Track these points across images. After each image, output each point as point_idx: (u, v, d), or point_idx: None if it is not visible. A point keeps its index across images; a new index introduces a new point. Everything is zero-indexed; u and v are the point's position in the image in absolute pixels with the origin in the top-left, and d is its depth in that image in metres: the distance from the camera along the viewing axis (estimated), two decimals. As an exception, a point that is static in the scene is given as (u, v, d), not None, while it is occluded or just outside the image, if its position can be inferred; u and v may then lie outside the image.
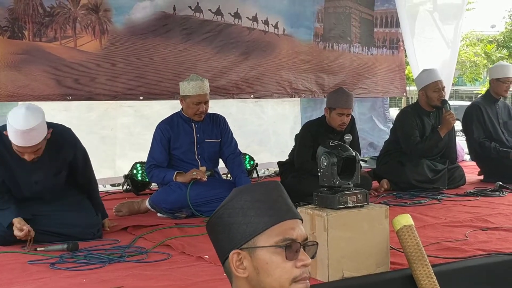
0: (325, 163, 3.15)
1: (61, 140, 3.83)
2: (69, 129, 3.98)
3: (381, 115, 8.50)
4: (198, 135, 4.89)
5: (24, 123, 3.43)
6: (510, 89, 6.50)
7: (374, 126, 8.36)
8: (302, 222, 1.64)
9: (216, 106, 6.08)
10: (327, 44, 7.66)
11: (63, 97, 5.61)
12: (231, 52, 6.72)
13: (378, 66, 8.17)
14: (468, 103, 8.98)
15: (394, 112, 9.51)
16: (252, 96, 6.97)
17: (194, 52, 6.39)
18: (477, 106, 6.35)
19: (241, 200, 1.57)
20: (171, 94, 6.17)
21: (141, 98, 6.08)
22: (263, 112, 7.42)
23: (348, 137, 3.65)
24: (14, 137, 3.49)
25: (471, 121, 6.30)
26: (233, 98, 6.80)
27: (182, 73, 6.22)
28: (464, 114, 6.51)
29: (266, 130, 7.40)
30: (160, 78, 6.17)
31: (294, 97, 7.43)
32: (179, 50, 6.28)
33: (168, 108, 6.31)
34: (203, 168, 4.79)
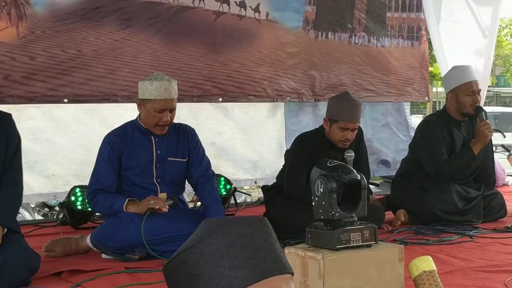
0: (321, 190, 3.16)
1: None
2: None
3: (401, 121, 8.51)
4: (158, 152, 4.87)
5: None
6: None
7: (392, 137, 8.38)
8: (293, 276, 1.62)
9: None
10: (319, 33, 7.69)
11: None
12: (189, 43, 6.72)
13: (392, 62, 8.20)
14: (513, 109, 9.03)
15: (417, 122, 9.54)
16: (220, 99, 6.99)
17: (135, 43, 6.40)
18: None
19: (213, 244, 1.52)
20: (104, 95, 6.21)
21: (65, 100, 6.10)
22: (227, 116, 7.42)
23: (350, 154, 3.68)
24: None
25: None
26: (193, 101, 6.82)
27: (118, 69, 6.28)
28: None
29: (230, 139, 7.41)
30: (90, 75, 6.19)
31: (276, 101, 7.46)
32: (115, 39, 6.30)
33: (84, 110, 6.44)
34: (163, 195, 4.77)
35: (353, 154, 3.75)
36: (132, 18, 6.38)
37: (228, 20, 6.97)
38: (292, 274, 1.58)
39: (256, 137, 7.55)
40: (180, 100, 6.45)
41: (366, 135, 7.08)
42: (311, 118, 7.64)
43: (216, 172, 5.41)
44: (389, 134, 8.37)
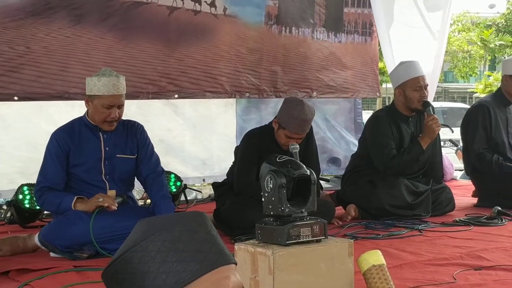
0: (271, 185, 3.16)
1: None
2: None
3: (352, 121, 8.55)
4: (107, 149, 4.83)
5: None
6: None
7: (342, 136, 8.41)
8: (236, 266, 1.63)
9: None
10: (283, 28, 7.66)
11: None
12: (143, 39, 6.67)
13: (348, 58, 8.22)
14: (461, 105, 9.18)
15: (366, 117, 9.59)
16: (176, 96, 6.95)
17: (88, 39, 6.35)
18: (486, 108, 6.49)
19: (157, 240, 1.50)
20: (56, 93, 6.15)
21: (15, 98, 6.04)
22: (176, 113, 7.37)
23: (294, 146, 3.69)
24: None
25: (475, 125, 6.44)
26: (148, 98, 6.77)
27: (70, 66, 6.23)
28: (467, 115, 6.67)
29: (179, 136, 7.36)
30: (41, 72, 6.12)
31: (235, 97, 7.43)
32: (66, 36, 6.23)
33: (31, 107, 6.36)
34: (112, 193, 4.73)
35: (298, 147, 3.76)
36: (83, 14, 6.31)
37: (183, 15, 6.91)
38: (236, 264, 1.60)
39: (206, 134, 7.51)
40: (135, 97, 6.47)
41: (318, 133, 7.11)
42: (264, 116, 7.62)
43: (164, 169, 5.39)
44: (340, 133, 8.39)
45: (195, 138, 7.43)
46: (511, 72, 6.46)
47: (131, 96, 6.40)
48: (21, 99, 6.05)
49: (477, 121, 6.43)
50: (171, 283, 1.48)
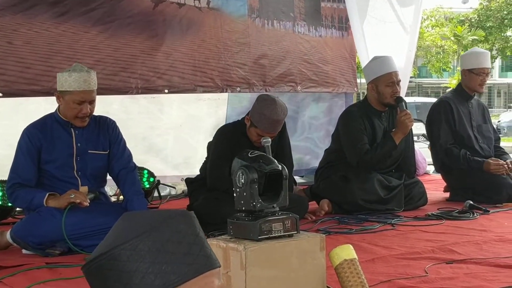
0: (242, 180, 3.15)
1: None
2: None
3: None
4: (78, 145, 4.80)
5: None
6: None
7: (327, 135, 8.33)
8: (220, 268, 1.63)
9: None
10: (266, 21, 7.61)
11: None
12: (129, 33, 6.59)
13: (328, 52, 8.19)
14: (434, 99, 9.17)
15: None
16: (166, 91, 6.86)
17: (72, 34, 6.27)
18: (447, 103, 6.54)
19: (148, 240, 1.50)
20: (42, 89, 6.08)
21: (0, 95, 5.97)
22: (161, 111, 7.30)
23: (266, 140, 3.69)
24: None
25: (439, 122, 6.48)
26: (138, 93, 6.71)
27: (56, 62, 6.14)
28: (429, 112, 6.70)
29: (162, 135, 7.31)
30: (25, 68, 6.06)
31: (226, 91, 7.36)
32: (50, 31, 6.16)
33: (11, 105, 6.29)
34: (84, 189, 4.72)
35: (269, 140, 3.78)
36: (67, 8, 6.21)
37: (167, 8, 6.83)
38: (220, 266, 1.60)
39: (191, 133, 7.45)
40: (124, 92, 6.42)
41: (302, 134, 7.09)
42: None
43: (139, 166, 5.35)
44: (325, 133, 8.30)
45: (179, 137, 7.38)
46: (469, 67, 6.52)
47: (120, 91, 6.40)
48: (6, 95, 5.98)
49: (440, 117, 6.48)
50: (159, 285, 1.48)
